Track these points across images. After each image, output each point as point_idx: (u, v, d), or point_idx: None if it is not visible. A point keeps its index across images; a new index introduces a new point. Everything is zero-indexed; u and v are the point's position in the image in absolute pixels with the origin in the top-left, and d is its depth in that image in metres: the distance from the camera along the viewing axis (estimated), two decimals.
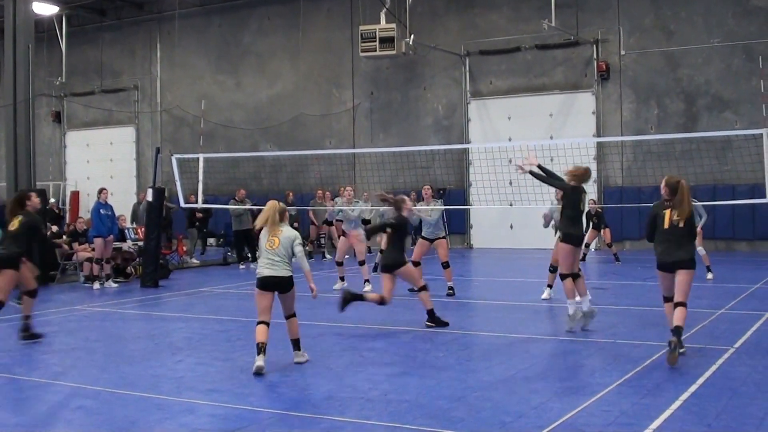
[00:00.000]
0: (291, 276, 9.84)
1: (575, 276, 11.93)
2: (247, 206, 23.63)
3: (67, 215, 30.50)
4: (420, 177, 28.20)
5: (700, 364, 9.43)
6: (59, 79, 35.90)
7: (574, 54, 27.64)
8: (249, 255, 23.80)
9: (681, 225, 9.84)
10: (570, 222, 12.03)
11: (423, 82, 30.08)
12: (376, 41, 26.91)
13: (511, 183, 21.76)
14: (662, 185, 9.99)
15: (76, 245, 19.95)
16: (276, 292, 9.86)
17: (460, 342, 11.22)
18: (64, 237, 21.15)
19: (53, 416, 8.11)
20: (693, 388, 8.38)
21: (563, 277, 11.92)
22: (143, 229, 20.33)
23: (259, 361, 9.41)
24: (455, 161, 29.21)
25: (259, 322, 9.75)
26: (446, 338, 11.53)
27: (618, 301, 15.08)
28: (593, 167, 25.86)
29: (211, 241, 29.63)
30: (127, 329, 13.09)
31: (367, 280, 17.06)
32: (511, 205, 22.67)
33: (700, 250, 18.71)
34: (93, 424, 7.72)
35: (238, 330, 12.65)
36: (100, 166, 36.84)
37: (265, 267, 9.80)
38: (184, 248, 24.60)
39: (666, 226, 9.91)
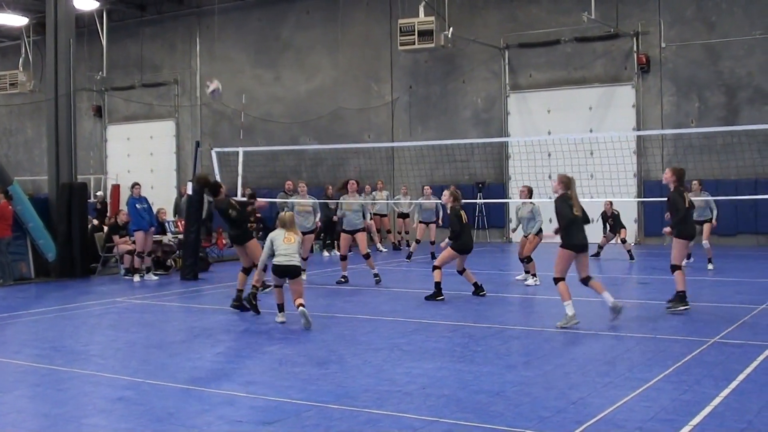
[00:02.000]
0: (299, 266, 12.62)
1: (586, 279, 12.23)
2: (294, 199, 23.27)
3: (108, 208, 30.73)
4: (459, 171, 28.19)
5: (741, 360, 9.34)
6: (100, 73, 36.21)
7: (614, 46, 27.40)
8: None
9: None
10: (565, 232, 12.27)
11: (462, 75, 29.99)
12: (414, 34, 26.81)
13: (550, 176, 21.69)
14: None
15: (116, 238, 20.12)
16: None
17: (499, 336, 11.19)
18: (105, 230, 21.32)
19: (94, 407, 8.17)
20: (734, 384, 8.30)
21: (556, 281, 12.22)
22: (184, 222, 20.46)
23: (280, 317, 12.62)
24: (494, 155, 29.09)
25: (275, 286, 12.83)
26: (485, 333, 11.50)
27: (659, 296, 14.92)
28: (633, 161, 25.83)
29: None
30: (167, 321, 13.19)
31: (376, 273, 17.07)
32: (550, 198, 22.51)
33: (705, 243, 18.75)
34: (133, 415, 7.79)
35: (276, 324, 12.69)
36: (140, 159, 37.13)
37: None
38: (224, 241, 24.68)
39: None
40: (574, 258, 12.01)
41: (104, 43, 35.57)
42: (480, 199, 27.89)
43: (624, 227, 22.11)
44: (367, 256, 17.45)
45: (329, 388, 8.49)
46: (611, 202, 21.78)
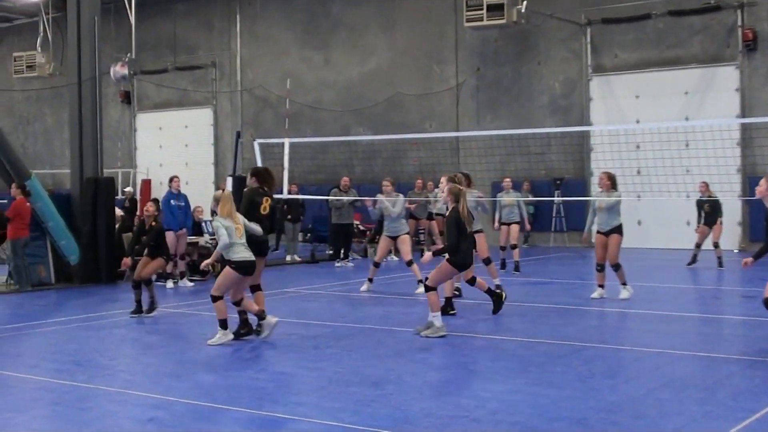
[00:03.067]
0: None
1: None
2: (352, 197, 23.30)
3: (138, 206, 31.01)
4: (533, 164, 28.04)
5: None
6: (128, 55, 36.45)
7: (714, 20, 27.04)
8: (345, 253, 23.71)
9: None
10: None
11: (537, 55, 29.83)
12: (483, 9, 26.72)
13: (639, 172, 21.54)
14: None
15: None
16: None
17: (581, 355, 11.08)
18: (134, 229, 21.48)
19: (120, 429, 8.22)
20: None
21: (427, 289, 12.51)
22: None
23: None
24: (574, 146, 28.88)
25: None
26: (564, 351, 11.39)
27: (766, 313, 14.70)
28: (737, 153, 25.46)
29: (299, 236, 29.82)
30: (203, 333, 13.24)
31: (420, 281, 16.93)
32: (638, 197, 22.32)
33: None
34: None
35: (326, 336, 12.71)
36: (173, 151, 37.43)
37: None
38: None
39: None
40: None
41: (133, 21, 35.72)
42: (558, 197, 27.73)
43: (720, 221, 21.21)
44: (410, 263, 17.35)
45: (386, 412, 8.46)
46: (707, 184, 21.10)
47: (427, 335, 12.28)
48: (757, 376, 9.92)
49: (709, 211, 20.93)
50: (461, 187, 12.94)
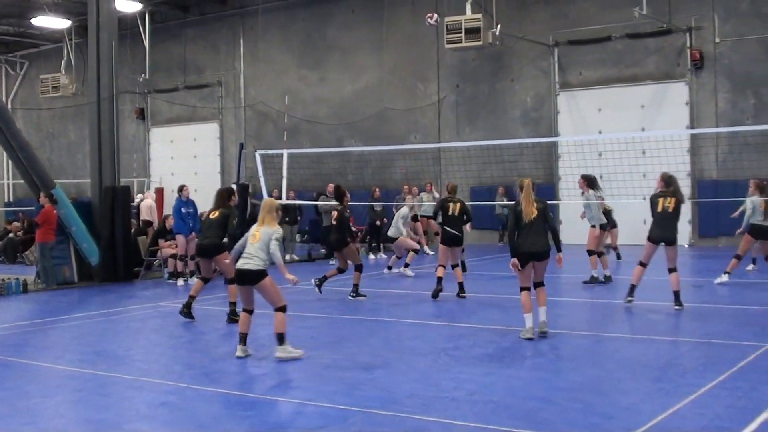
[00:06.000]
0: (259, 270, 10.42)
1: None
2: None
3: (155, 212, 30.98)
4: (507, 171, 28.05)
5: None
6: (143, 75, 36.54)
7: (666, 42, 27.14)
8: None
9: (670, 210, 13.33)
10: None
11: (510, 73, 29.89)
12: (461, 33, 26.73)
13: (601, 177, 21.52)
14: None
15: (162, 242, 20.31)
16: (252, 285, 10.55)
17: (548, 341, 11.12)
18: (149, 233, 21.52)
19: (137, 412, 8.27)
20: None
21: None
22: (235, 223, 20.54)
23: (238, 351, 10.50)
24: (543, 155, 28.96)
25: (243, 310, 10.76)
26: (535, 337, 11.46)
27: (712, 299, 14.82)
28: (687, 160, 25.60)
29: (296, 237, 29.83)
30: (211, 326, 13.28)
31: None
32: (602, 199, 22.36)
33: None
34: (177, 421, 7.88)
35: (322, 327, 12.77)
36: (184, 162, 37.44)
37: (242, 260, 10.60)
38: None
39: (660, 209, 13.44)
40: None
41: (147, 45, 35.90)
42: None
43: (615, 227, 21.27)
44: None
45: (375, 394, 8.52)
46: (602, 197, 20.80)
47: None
48: (703, 356, 10.01)
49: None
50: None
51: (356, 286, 15.73)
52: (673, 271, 13.47)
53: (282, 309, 10.40)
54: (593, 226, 17.14)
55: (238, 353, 10.43)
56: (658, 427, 7.16)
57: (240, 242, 10.87)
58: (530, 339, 10.93)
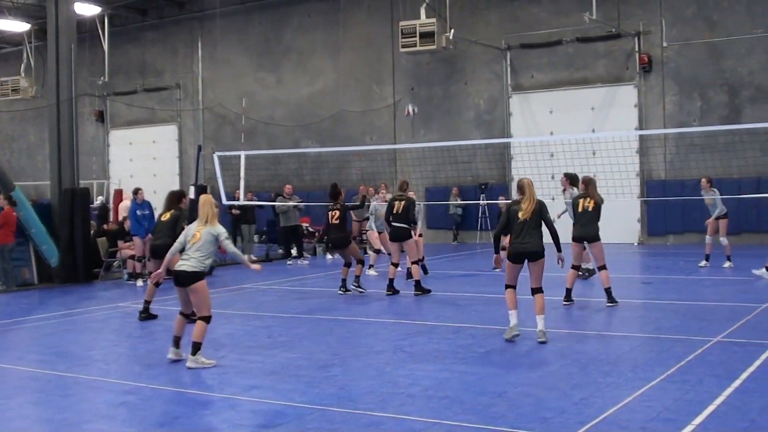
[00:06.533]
0: (194, 272, 9.91)
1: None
2: (294, 203, 23.52)
3: (110, 213, 30.68)
4: (461, 172, 28.19)
5: (744, 360, 9.33)
6: (102, 78, 36.21)
7: (615, 46, 27.38)
8: (296, 251, 23.74)
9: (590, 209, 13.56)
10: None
11: (464, 76, 29.99)
12: (416, 36, 26.76)
13: (552, 177, 21.71)
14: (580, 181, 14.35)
15: (121, 243, 20.15)
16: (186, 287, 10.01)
17: (501, 338, 11.16)
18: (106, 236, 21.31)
19: (96, 412, 8.19)
20: (736, 383, 8.30)
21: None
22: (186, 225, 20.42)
23: (170, 354, 10.19)
24: (497, 156, 29.08)
25: (180, 313, 10.36)
26: (489, 334, 11.50)
27: (661, 296, 14.96)
28: (635, 160, 25.86)
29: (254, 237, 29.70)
30: (170, 326, 13.13)
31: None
32: (553, 199, 22.45)
33: (723, 239, 18.70)
34: (135, 420, 7.82)
35: (279, 326, 12.72)
36: (143, 164, 37.18)
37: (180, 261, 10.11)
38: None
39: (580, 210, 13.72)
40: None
41: (106, 48, 35.58)
42: (483, 200, 27.90)
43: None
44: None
45: (331, 391, 8.50)
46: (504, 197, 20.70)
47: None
48: (653, 350, 10.11)
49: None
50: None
51: (358, 277, 16.28)
52: (602, 269, 13.63)
53: (205, 319, 9.98)
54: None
55: (170, 356, 10.14)
56: (608, 420, 7.21)
57: (179, 240, 10.41)
58: (513, 339, 10.74)
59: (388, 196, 18.35)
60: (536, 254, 10.83)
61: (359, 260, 16.30)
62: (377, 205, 19.79)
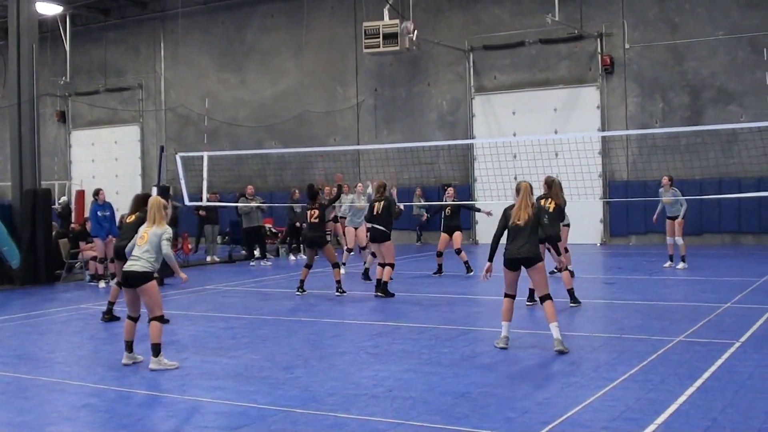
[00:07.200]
0: (144, 272, 9.89)
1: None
2: (257, 204, 23.52)
3: (73, 214, 30.39)
4: (424, 173, 28.22)
5: (706, 359, 9.41)
6: (63, 78, 35.92)
7: (578, 48, 27.56)
8: (259, 252, 23.69)
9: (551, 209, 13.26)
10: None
11: (427, 77, 30.05)
12: (379, 37, 26.78)
13: (515, 178, 21.73)
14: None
15: (83, 244, 19.97)
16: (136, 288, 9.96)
17: (466, 338, 11.21)
18: (69, 236, 21.12)
19: (58, 415, 8.11)
20: (698, 382, 8.37)
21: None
22: None
23: (125, 359, 10.13)
24: (460, 157, 29.17)
25: (128, 317, 10.26)
26: (452, 334, 11.53)
27: (623, 296, 15.06)
28: (598, 162, 26.01)
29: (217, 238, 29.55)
30: None
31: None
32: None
33: (679, 239, 18.86)
34: (98, 423, 7.75)
35: (243, 328, 12.66)
36: (105, 165, 36.87)
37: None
38: (189, 246, 24.52)
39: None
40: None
41: (67, 48, 35.29)
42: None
43: (459, 228, 19.67)
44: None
45: (295, 393, 8.47)
46: (452, 194, 20.22)
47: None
48: (615, 350, 10.16)
49: (448, 221, 19.54)
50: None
51: (339, 282, 16.16)
52: (564, 270, 13.72)
53: (158, 319, 9.90)
54: (566, 225, 16.91)
55: (125, 360, 10.07)
56: (571, 419, 7.24)
57: (131, 243, 10.40)
58: (504, 348, 10.37)
59: (369, 190, 18.57)
60: (530, 260, 10.36)
61: (334, 264, 16.12)
62: (354, 198, 20.10)
